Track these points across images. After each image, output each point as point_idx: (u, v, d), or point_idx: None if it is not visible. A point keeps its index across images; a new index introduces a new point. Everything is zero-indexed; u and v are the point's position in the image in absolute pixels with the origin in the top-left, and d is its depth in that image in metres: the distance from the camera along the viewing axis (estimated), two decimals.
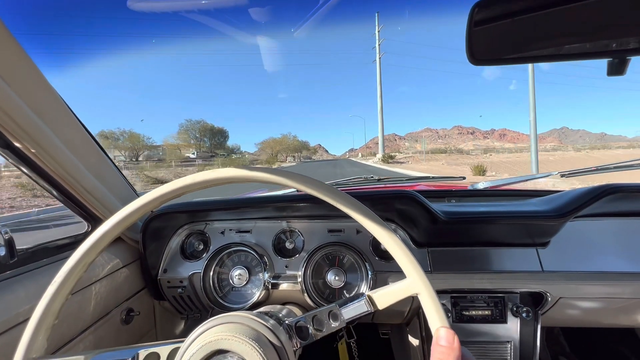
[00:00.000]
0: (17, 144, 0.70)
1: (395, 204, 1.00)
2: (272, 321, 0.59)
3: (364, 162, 48.84)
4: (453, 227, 0.99)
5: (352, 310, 0.54)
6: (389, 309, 0.53)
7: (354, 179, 1.58)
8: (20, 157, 0.74)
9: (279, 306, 0.93)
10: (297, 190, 0.62)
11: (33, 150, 0.71)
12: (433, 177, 1.62)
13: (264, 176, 0.53)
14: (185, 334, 0.57)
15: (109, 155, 1.01)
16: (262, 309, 0.84)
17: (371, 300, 0.53)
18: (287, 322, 0.57)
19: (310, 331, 0.55)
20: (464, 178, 1.54)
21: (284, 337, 0.54)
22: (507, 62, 0.60)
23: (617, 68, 0.55)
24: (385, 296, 0.53)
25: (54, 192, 0.87)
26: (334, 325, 0.54)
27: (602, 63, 0.56)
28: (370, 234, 0.53)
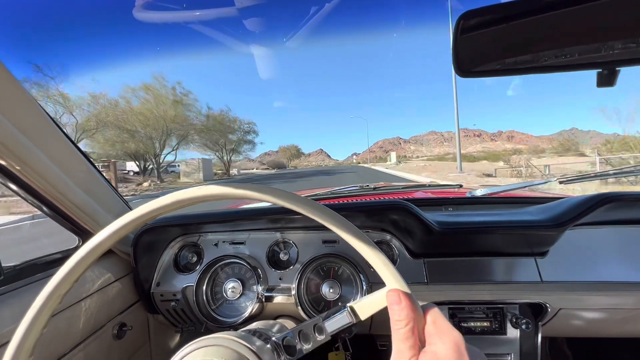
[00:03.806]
0: (0, 162, 0.69)
1: (389, 214, 0.99)
2: (259, 342, 0.58)
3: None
4: (448, 238, 0.97)
5: (334, 323, 0.53)
6: (386, 319, 0.52)
7: (349, 187, 1.57)
8: (5, 174, 0.74)
9: (271, 321, 0.92)
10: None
11: (18, 168, 0.71)
12: (430, 185, 1.61)
13: (242, 192, 0.51)
14: (180, 347, 0.56)
15: (99, 169, 1.00)
16: (252, 326, 0.83)
17: (353, 312, 0.52)
18: (274, 339, 0.56)
19: (297, 346, 0.54)
20: (461, 186, 1.53)
21: (268, 358, 0.53)
22: (493, 74, 0.59)
23: (606, 79, 0.54)
24: (366, 306, 0.52)
25: (43, 208, 0.87)
26: (320, 338, 0.54)
27: None
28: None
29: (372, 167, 49.47)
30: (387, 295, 0.47)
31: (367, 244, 0.50)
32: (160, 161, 33.76)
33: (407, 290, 0.47)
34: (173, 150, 35.95)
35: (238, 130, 51.07)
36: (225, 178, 39.74)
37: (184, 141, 37.71)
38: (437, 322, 0.43)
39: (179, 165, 40.65)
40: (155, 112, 32.17)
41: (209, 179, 35.71)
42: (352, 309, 0.53)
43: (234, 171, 52.50)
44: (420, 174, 23.04)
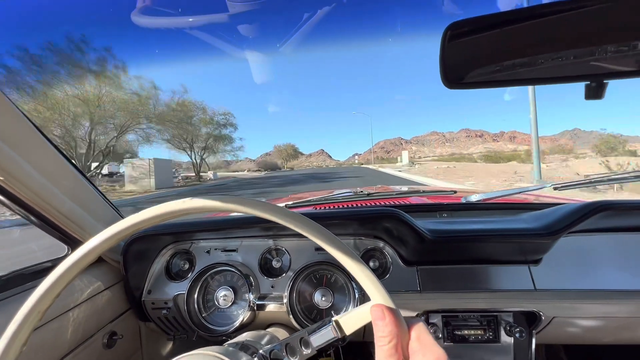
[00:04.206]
0: None
1: (381, 222, 0.98)
2: (244, 358, 0.57)
3: None
4: (441, 246, 0.97)
5: (320, 338, 0.52)
6: None
7: (342, 193, 1.56)
8: None
9: (262, 332, 0.91)
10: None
11: (1, 178, 0.70)
12: (424, 191, 1.60)
13: (225, 205, 0.51)
14: (172, 355, 0.55)
15: (88, 177, 1.00)
16: (242, 337, 0.82)
17: (338, 326, 0.52)
18: (261, 352, 0.56)
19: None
20: (455, 192, 1.52)
21: None
22: (480, 86, 0.59)
23: (594, 92, 0.53)
24: (351, 321, 0.51)
25: (31, 217, 0.86)
26: (306, 352, 0.53)
27: None
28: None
29: (380, 169, 37.17)
30: (371, 310, 0.46)
31: (351, 258, 0.49)
32: (88, 163, 22.59)
33: (391, 305, 0.46)
34: (107, 147, 24.40)
35: (210, 123, 39.23)
36: (193, 184, 30.41)
37: (138, 135, 27.09)
38: (421, 338, 0.43)
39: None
40: (70, 91, 21.23)
41: (165, 185, 26.40)
42: (337, 323, 0.52)
43: (208, 174, 41.24)
44: (461, 182, 14.93)
